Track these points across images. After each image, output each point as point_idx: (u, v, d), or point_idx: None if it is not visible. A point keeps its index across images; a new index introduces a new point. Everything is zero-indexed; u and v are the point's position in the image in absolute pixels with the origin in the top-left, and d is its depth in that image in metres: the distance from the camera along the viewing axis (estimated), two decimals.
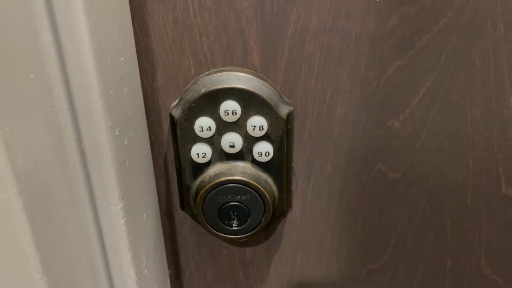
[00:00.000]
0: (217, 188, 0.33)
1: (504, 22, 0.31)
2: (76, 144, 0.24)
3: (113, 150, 0.26)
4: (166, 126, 0.34)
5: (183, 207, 0.36)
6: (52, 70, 0.22)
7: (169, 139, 0.34)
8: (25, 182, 0.20)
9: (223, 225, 0.34)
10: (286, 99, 0.33)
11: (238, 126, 0.32)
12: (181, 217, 0.38)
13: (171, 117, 0.32)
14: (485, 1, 0.30)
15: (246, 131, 0.32)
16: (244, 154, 0.33)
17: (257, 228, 0.34)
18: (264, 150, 0.32)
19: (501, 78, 0.33)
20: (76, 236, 0.26)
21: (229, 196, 0.33)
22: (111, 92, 0.25)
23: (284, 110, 0.32)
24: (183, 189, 0.34)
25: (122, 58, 0.27)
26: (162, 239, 0.37)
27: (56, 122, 0.23)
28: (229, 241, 0.39)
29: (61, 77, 0.23)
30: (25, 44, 0.20)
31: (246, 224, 0.34)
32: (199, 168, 0.33)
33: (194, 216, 0.36)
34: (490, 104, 0.34)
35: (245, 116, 0.32)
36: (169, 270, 0.41)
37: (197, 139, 0.32)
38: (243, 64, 0.32)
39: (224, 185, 0.32)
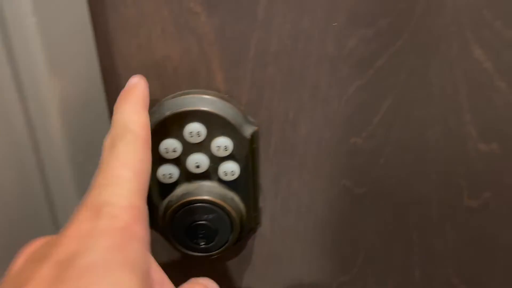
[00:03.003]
0: (184, 208, 0.33)
1: (458, 43, 0.32)
2: (38, 172, 0.25)
3: (77, 177, 0.26)
4: None
5: (152, 226, 0.36)
6: (10, 104, 0.23)
7: None
8: None
9: (192, 244, 0.35)
10: (251, 119, 0.34)
11: (203, 147, 0.33)
12: (153, 235, 0.39)
13: None
14: (439, 22, 0.31)
15: (211, 152, 0.33)
16: (210, 174, 0.34)
17: (224, 246, 0.35)
18: (229, 169, 0.33)
19: (458, 95, 0.34)
20: None
21: (196, 216, 0.33)
22: (73, 120, 0.26)
23: (248, 131, 0.33)
24: (152, 208, 0.35)
25: (84, 85, 0.28)
26: None
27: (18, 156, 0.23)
28: (200, 258, 0.40)
29: (20, 107, 0.23)
30: None
31: (213, 242, 0.35)
32: (166, 188, 0.34)
33: (163, 235, 0.36)
34: (449, 120, 0.35)
35: (209, 137, 0.32)
36: None
37: (163, 160, 0.33)
38: (208, 86, 0.33)
39: (191, 205, 0.33)
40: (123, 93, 0.28)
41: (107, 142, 0.25)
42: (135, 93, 0.28)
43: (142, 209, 0.22)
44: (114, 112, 0.26)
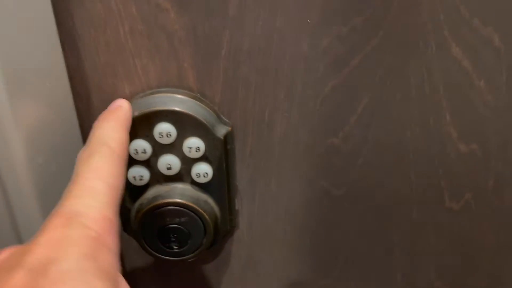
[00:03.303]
0: (155, 211, 0.32)
1: (435, 41, 0.31)
2: None
3: (37, 179, 0.25)
4: None
5: (125, 229, 0.35)
6: None
7: None
8: None
9: (164, 248, 0.34)
10: (225, 119, 0.33)
11: (174, 148, 0.32)
12: (127, 238, 0.38)
13: None
14: (415, 20, 0.31)
15: (183, 153, 0.32)
16: (182, 176, 0.33)
17: (198, 250, 0.34)
18: (202, 171, 0.32)
19: (437, 95, 0.33)
20: None
21: (168, 219, 0.32)
22: (32, 121, 0.25)
23: (221, 131, 0.32)
24: (123, 211, 0.34)
25: (48, 84, 0.27)
26: None
27: None
28: (175, 262, 0.39)
29: None
30: None
31: (187, 246, 0.34)
32: (137, 190, 0.33)
33: (136, 238, 0.35)
34: (428, 121, 0.34)
35: (181, 138, 0.31)
36: None
37: (133, 162, 0.32)
38: (179, 85, 0.32)
39: (162, 208, 0.32)
40: (104, 113, 0.29)
41: (83, 154, 0.25)
42: (116, 113, 0.28)
43: (113, 222, 0.23)
44: (93, 129, 0.27)
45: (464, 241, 0.39)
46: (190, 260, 0.36)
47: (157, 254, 0.34)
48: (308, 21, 0.30)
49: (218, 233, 0.35)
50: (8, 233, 0.26)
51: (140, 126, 0.31)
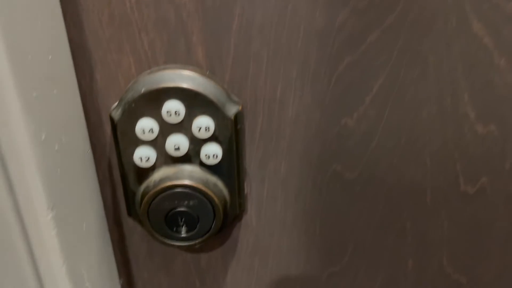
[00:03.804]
0: (162, 194, 0.31)
1: (456, 16, 0.30)
2: None
3: (39, 156, 0.24)
4: (108, 128, 0.32)
5: (130, 214, 0.34)
6: None
7: (112, 142, 0.32)
8: None
9: (171, 232, 0.32)
10: (235, 98, 0.32)
11: (183, 127, 0.30)
12: (130, 223, 0.37)
13: (111, 119, 0.30)
14: None
15: (192, 133, 0.30)
16: (191, 157, 0.31)
17: (207, 235, 0.33)
18: (211, 152, 0.31)
19: (455, 73, 0.32)
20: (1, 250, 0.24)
21: (176, 202, 0.31)
22: (34, 94, 0.23)
23: (231, 110, 0.31)
24: (128, 195, 0.33)
25: (50, 57, 0.25)
26: (110, 247, 0.35)
27: None
28: (182, 247, 0.37)
29: None
30: None
31: (195, 230, 0.32)
32: (144, 172, 0.31)
33: (141, 223, 0.34)
34: (445, 100, 0.33)
35: (189, 116, 0.30)
36: (121, 280, 0.39)
37: (139, 142, 0.30)
38: (187, 61, 0.31)
39: (170, 191, 0.31)
40: None
41: None
42: None
43: None
44: None
45: (478, 227, 0.38)
46: (196, 246, 0.35)
47: (163, 239, 0.33)
48: None
49: (227, 217, 0.34)
50: (9, 212, 0.24)
51: (147, 104, 0.29)
